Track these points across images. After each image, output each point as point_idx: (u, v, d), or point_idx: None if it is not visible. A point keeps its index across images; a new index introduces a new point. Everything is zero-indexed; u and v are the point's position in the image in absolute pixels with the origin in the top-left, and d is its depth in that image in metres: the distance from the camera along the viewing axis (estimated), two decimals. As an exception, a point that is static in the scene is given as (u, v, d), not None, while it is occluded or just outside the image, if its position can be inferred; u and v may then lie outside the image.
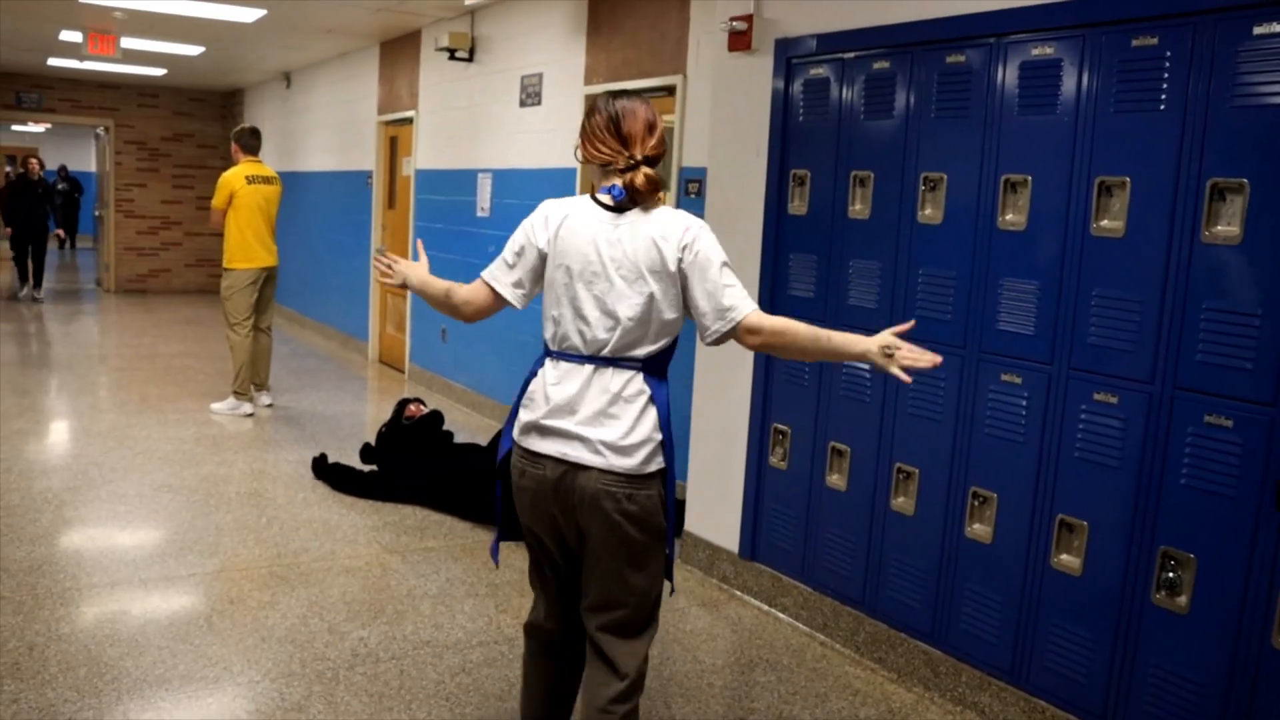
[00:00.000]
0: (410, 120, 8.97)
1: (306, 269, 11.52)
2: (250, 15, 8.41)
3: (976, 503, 3.44)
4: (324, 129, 11.27)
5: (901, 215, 3.65)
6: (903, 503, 3.70)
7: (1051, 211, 3.17)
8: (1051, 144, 3.16)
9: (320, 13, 8.26)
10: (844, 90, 3.87)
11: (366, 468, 5.75)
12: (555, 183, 6.57)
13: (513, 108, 7.24)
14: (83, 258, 20.52)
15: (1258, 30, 2.67)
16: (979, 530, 3.44)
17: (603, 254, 2.41)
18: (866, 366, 3.78)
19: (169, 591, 4.15)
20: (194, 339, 10.68)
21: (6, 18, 9.10)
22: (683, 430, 5.06)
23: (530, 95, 7.00)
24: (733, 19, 4.25)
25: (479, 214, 7.62)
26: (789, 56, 4.09)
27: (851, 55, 3.83)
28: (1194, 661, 2.85)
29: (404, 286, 2.71)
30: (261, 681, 3.44)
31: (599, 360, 2.43)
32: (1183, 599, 2.87)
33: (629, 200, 2.42)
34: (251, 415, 7.29)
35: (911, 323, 2.56)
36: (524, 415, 2.50)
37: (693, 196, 5.32)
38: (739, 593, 4.44)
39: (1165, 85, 2.87)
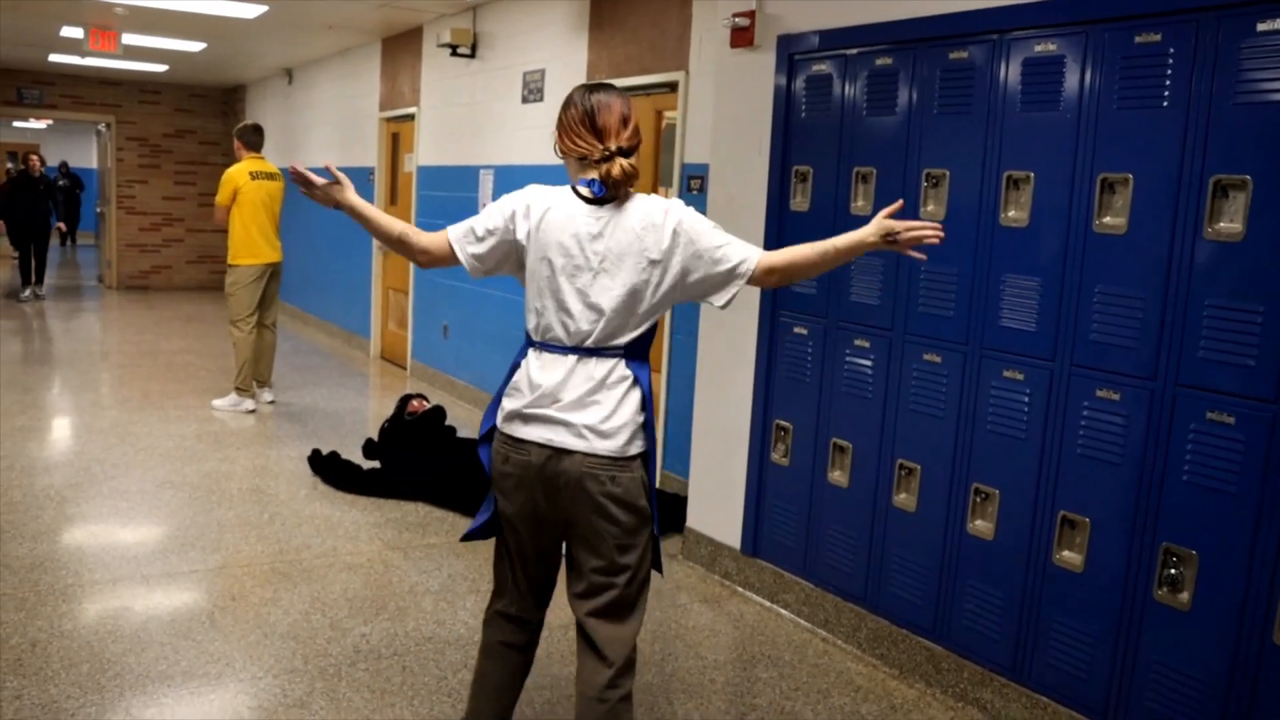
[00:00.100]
0: (412, 116, 8.97)
1: (309, 266, 11.52)
2: (252, 11, 8.41)
3: (978, 499, 3.44)
4: (326, 125, 11.27)
5: (904, 212, 3.63)
6: (904, 499, 3.70)
7: (1054, 208, 3.17)
8: (1054, 140, 3.16)
9: (322, 9, 8.25)
10: (846, 87, 3.86)
11: (367, 465, 5.75)
12: (557, 179, 6.47)
13: (514, 104, 7.23)
14: (84, 254, 20.52)
15: (1261, 27, 2.67)
16: (981, 527, 3.44)
17: (585, 247, 2.43)
18: (869, 363, 3.79)
19: (171, 588, 4.16)
20: (195, 335, 10.69)
21: (8, 14, 9.09)
22: (684, 427, 5.06)
23: (532, 91, 6.99)
24: (735, 15, 4.25)
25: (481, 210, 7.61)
26: (791, 53, 4.08)
27: (854, 52, 3.82)
28: (1195, 658, 2.85)
29: (333, 204, 2.61)
30: (264, 678, 3.44)
31: (582, 350, 2.45)
32: (1184, 595, 2.88)
33: (608, 193, 2.44)
34: (254, 411, 7.29)
35: (899, 203, 2.56)
36: (508, 403, 2.52)
37: (695, 192, 5.31)
38: (741, 589, 4.44)
39: (1168, 82, 2.87)
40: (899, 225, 2.45)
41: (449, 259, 2.57)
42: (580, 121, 2.49)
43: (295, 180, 2.58)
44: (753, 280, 2.48)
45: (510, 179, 7.26)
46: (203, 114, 14.98)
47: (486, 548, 4.74)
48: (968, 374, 3.45)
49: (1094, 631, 3.11)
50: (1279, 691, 2.69)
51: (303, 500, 5.32)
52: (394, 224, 2.58)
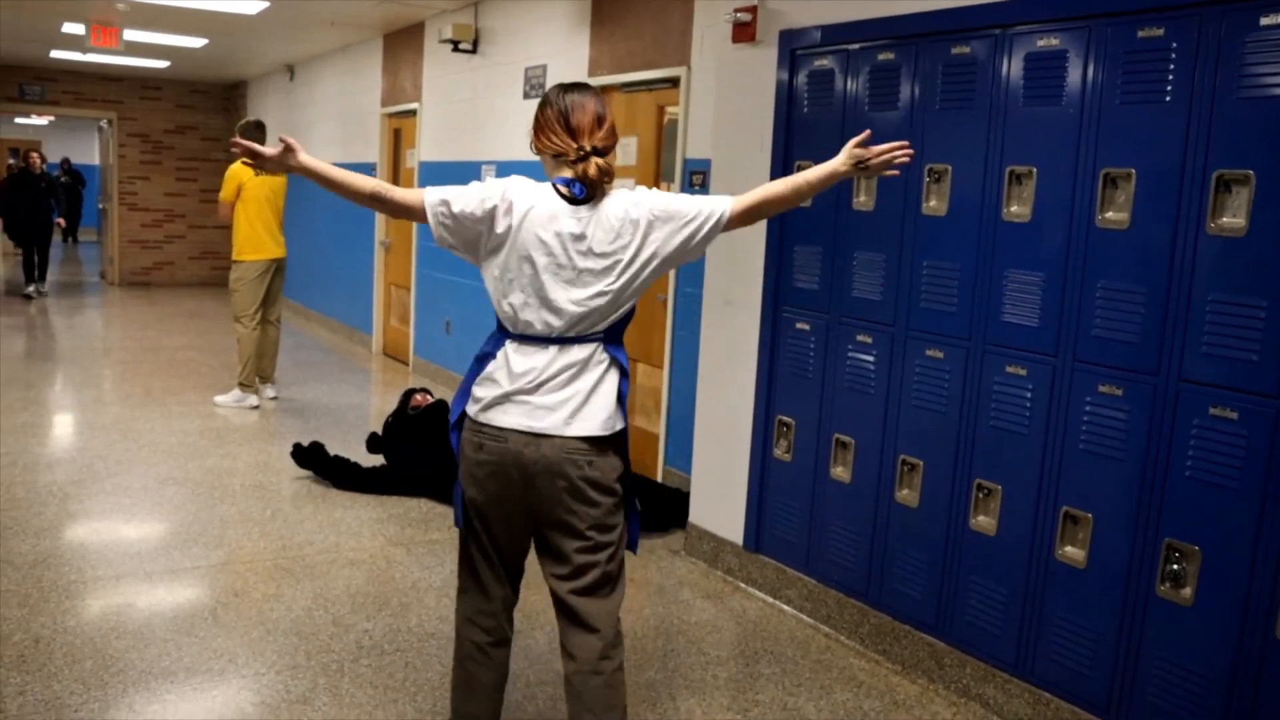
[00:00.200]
0: (414, 112, 8.96)
1: (311, 262, 11.52)
2: (254, 7, 8.40)
3: (981, 495, 3.44)
4: (327, 121, 11.26)
5: (906, 207, 3.65)
6: (907, 495, 3.70)
7: (1056, 203, 3.17)
8: (1057, 135, 3.15)
9: (324, 5, 8.25)
10: (848, 82, 3.86)
11: (369, 461, 5.74)
12: (559, 175, 6.54)
13: (516, 100, 7.23)
14: (86, 251, 20.52)
15: (1265, 21, 2.66)
16: (983, 522, 3.44)
17: (569, 247, 2.46)
18: (871, 359, 3.78)
19: (174, 584, 4.16)
20: (198, 332, 10.69)
21: (9, 10, 9.09)
22: (687, 423, 5.06)
23: (534, 87, 6.99)
24: (737, 10, 4.25)
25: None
26: (793, 48, 4.08)
27: (856, 47, 3.82)
28: (1198, 653, 2.85)
29: (285, 170, 2.57)
30: (266, 674, 3.44)
31: (564, 340, 2.50)
32: (1187, 591, 2.87)
33: (588, 193, 2.48)
34: (257, 408, 7.30)
35: (868, 132, 2.60)
36: (483, 392, 2.54)
37: (697, 188, 5.31)
38: (743, 585, 4.44)
39: (1171, 77, 2.86)
40: (868, 152, 2.55)
41: (421, 219, 2.55)
42: (556, 120, 2.53)
43: (241, 153, 2.57)
44: (730, 224, 2.58)
45: (512, 174, 7.24)
46: (204, 110, 14.98)
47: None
48: (970, 369, 3.45)
49: (1096, 627, 3.11)
50: (1282, 687, 2.69)
51: (305, 496, 5.33)
52: (363, 182, 2.53)
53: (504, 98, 7.40)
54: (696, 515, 4.73)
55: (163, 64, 12.78)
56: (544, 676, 3.50)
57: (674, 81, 5.59)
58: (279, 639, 3.70)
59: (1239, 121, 2.73)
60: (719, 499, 4.57)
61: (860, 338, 3.84)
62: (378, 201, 2.53)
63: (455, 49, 7.81)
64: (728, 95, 4.47)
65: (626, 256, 2.48)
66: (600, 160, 2.48)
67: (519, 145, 7.20)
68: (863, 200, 3.82)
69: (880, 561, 3.82)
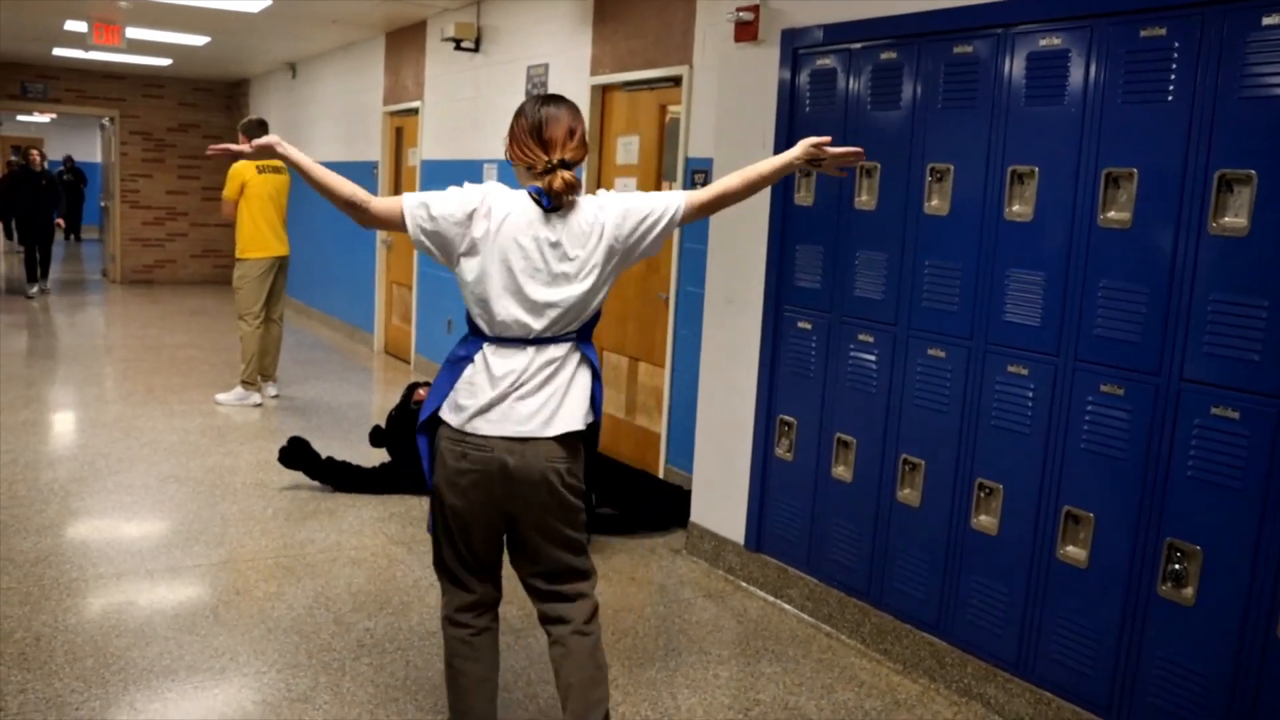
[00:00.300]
0: (416, 111, 8.97)
1: (312, 260, 11.52)
2: (256, 5, 8.40)
3: (982, 494, 3.44)
4: (329, 119, 11.26)
5: (908, 206, 3.64)
6: (908, 494, 3.70)
7: (1058, 203, 3.16)
8: (1059, 135, 3.15)
9: (326, 3, 8.25)
10: (850, 81, 3.86)
11: (369, 465, 5.73)
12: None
13: (518, 98, 7.22)
14: (88, 249, 20.54)
15: (1267, 21, 2.66)
16: (985, 522, 3.43)
17: (545, 252, 2.55)
18: (873, 358, 3.78)
19: (175, 582, 4.17)
20: (199, 330, 10.70)
21: (11, 8, 9.10)
22: (688, 422, 5.06)
23: (536, 86, 6.99)
24: (739, 9, 4.24)
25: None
26: (795, 47, 4.07)
27: (858, 46, 3.81)
28: (1199, 653, 2.85)
29: (264, 155, 2.66)
30: (268, 672, 3.45)
31: (541, 340, 2.58)
32: (1188, 591, 2.87)
33: (554, 204, 2.55)
34: (260, 406, 7.30)
35: (828, 138, 2.77)
36: (466, 401, 2.58)
37: (699, 187, 5.30)
38: (745, 584, 4.44)
39: (1173, 76, 2.86)
40: (825, 152, 2.74)
41: (399, 225, 2.60)
42: (529, 132, 2.60)
43: (221, 154, 2.63)
44: (686, 217, 2.72)
45: (514, 173, 7.25)
46: (206, 108, 14.98)
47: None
48: (972, 369, 3.45)
49: (1098, 627, 3.10)
50: (1283, 687, 2.69)
51: (306, 495, 5.33)
52: (344, 184, 2.58)
53: (506, 96, 7.40)
54: (698, 514, 4.73)
55: (165, 62, 12.79)
56: (545, 676, 3.50)
57: (676, 80, 5.59)
58: (280, 637, 3.70)
59: (1241, 121, 2.72)
60: (720, 498, 4.57)
61: (862, 337, 3.84)
62: (353, 208, 2.58)
63: (457, 47, 7.81)
64: (730, 94, 4.47)
65: (596, 259, 2.58)
66: (567, 174, 2.55)
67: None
68: (865, 199, 3.81)
69: (881, 561, 3.82)
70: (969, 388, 3.46)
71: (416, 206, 2.56)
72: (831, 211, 3.94)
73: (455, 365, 2.63)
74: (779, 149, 4.12)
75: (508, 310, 2.55)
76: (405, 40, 9.16)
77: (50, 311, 11.77)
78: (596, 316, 2.68)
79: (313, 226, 11.31)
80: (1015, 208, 3.30)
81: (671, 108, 5.74)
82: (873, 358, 3.80)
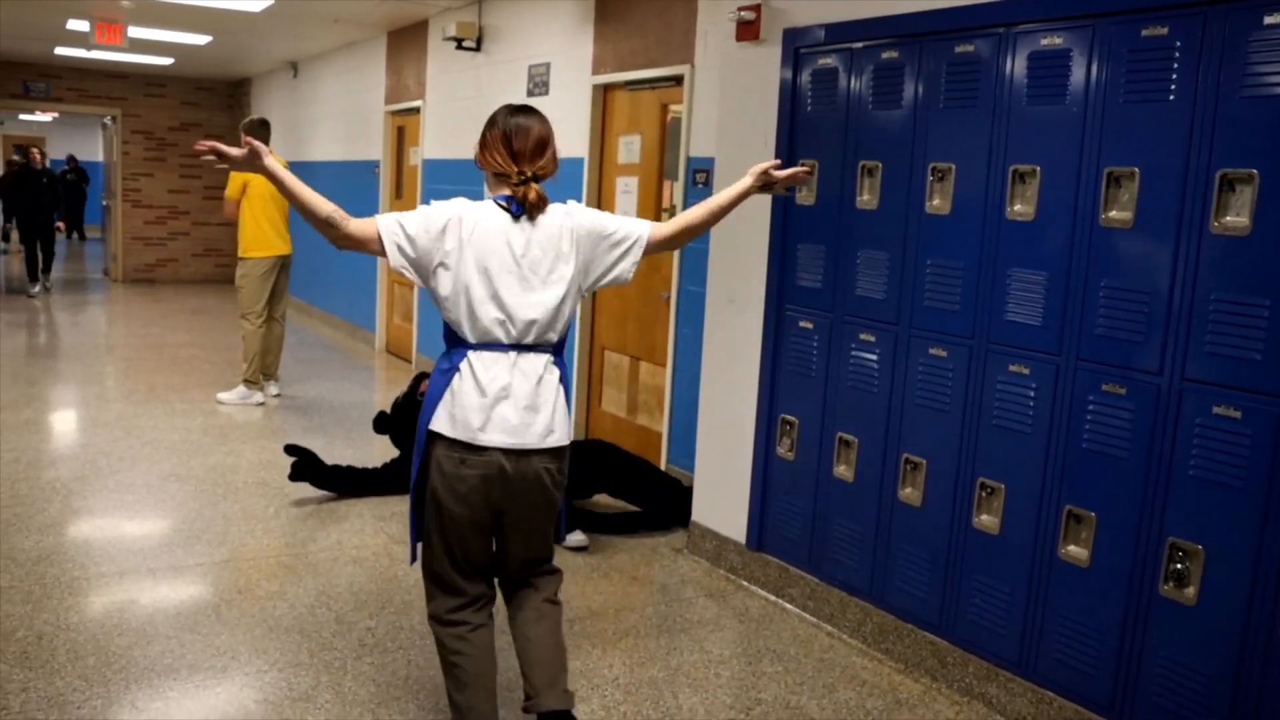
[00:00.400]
0: (417, 110, 8.97)
1: (314, 259, 11.50)
2: (258, 5, 8.40)
3: (984, 494, 3.44)
4: (331, 119, 11.26)
5: (910, 205, 3.64)
6: (910, 494, 3.70)
7: (1060, 202, 3.16)
8: (1060, 134, 3.15)
9: (328, 3, 8.25)
10: (852, 80, 3.85)
11: (373, 465, 5.72)
12: (563, 172, 6.50)
13: (520, 98, 7.22)
14: (90, 247, 20.54)
15: (1269, 20, 2.66)
16: (986, 521, 3.43)
17: (518, 259, 2.64)
18: (874, 358, 3.78)
19: (177, 581, 4.17)
20: (201, 329, 10.70)
21: (14, 7, 9.10)
22: (690, 421, 5.06)
23: (538, 85, 6.99)
24: (741, 8, 4.24)
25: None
26: (797, 46, 4.07)
27: (860, 45, 3.81)
28: (1201, 653, 2.85)
29: (251, 169, 2.68)
30: (269, 671, 3.45)
31: (520, 347, 2.66)
32: (1190, 590, 2.87)
33: (524, 212, 2.66)
34: (262, 405, 7.30)
35: (778, 161, 3.03)
36: (459, 414, 2.63)
37: (700, 186, 5.31)
38: (746, 583, 4.44)
39: (1175, 76, 2.86)
40: (774, 176, 2.95)
41: (375, 247, 2.65)
42: (499, 141, 2.69)
43: (209, 153, 2.64)
44: (649, 249, 2.83)
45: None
46: (208, 107, 14.99)
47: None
48: (973, 368, 3.45)
49: (1100, 626, 3.10)
50: (1285, 687, 2.69)
51: (308, 494, 5.33)
52: (322, 203, 2.63)
53: (507, 95, 7.39)
54: (699, 514, 4.73)
55: (167, 61, 12.79)
56: (546, 674, 3.51)
57: (678, 80, 5.59)
58: (282, 636, 3.71)
59: (1242, 120, 2.72)
60: (722, 497, 4.57)
61: (863, 336, 3.84)
62: (330, 227, 2.62)
63: (459, 47, 7.81)
64: (731, 94, 4.47)
65: (565, 268, 2.68)
66: (538, 187, 2.66)
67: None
68: (866, 199, 3.81)
69: (883, 560, 3.82)
70: (970, 387, 3.46)
71: (393, 224, 2.64)
72: (833, 211, 3.94)
73: (442, 376, 2.69)
74: (780, 148, 4.13)
75: (489, 315, 2.62)
76: (407, 39, 9.17)
77: (52, 310, 11.78)
78: (567, 330, 2.78)
79: (314, 226, 11.31)
80: (1017, 207, 3.30)
81: (673, 107, 5.74)
82: (874, 357, 3.80)
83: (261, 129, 7.34)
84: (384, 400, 7.77)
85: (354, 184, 10.36)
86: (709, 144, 5.14)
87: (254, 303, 7.22)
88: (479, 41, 7.75)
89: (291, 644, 3.65)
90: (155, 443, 6.13)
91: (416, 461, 2.74)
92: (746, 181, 2.95)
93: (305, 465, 5.31)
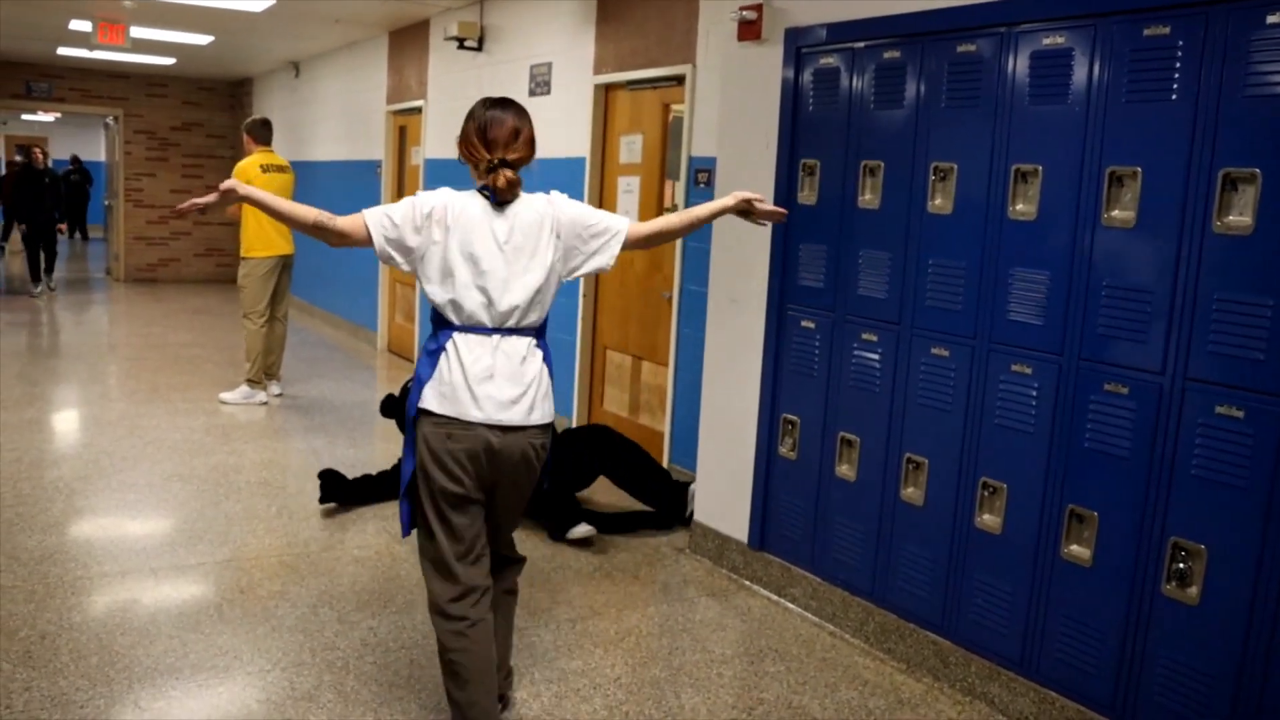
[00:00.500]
0: (419, 110, 8.97)
1: (315, 259, 11.51)
2: (259, 5, 8.41)
3: (986, 493, 3.44)
4: (333, 119, 11.27)
5: (911, 205, 3.64)
6: (912, 493, 3.70)
7: (1062, 202, 3.16)
8: (1062, 134, 3.15)
9: (329, 3, 8.26)
10: (854, 80, 3.85)
11: (386, 469, 5.70)
12: (564, 172, 6.56)
13: (521, 97, 7.21)
14: (92, 247, 20.56)
15: (1271, 19, 2.66)
16: (989, 521, 3.43)
17: (501, 244, 2.75)
18: (876, 357, 3.78)
19: (179, 580, 4.17)
20: (203, 328, 10.71)
21: (16, 7, 9.11)
22: (692, 421, 5.06)
23: (539, 84, 6.99)
24: (742, 8, 4.24)
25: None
26: (799, 46, 4.07)
27: (861, 45, 3.81)
28: (1204, 653, 2.85)
29: (231, 204, 2.81)
30: (272, 671, 3.45)
31: (504, 330, 2.77)
32: (1193, 590, 2.87)
33: (499, 198, 2.76)
34: (264, 404, 7.31)
35: (760, 196, 3.06)
36: (446, 390, 2.74)
37: (702, 186, 5.31)
38: (748, 583, 4.44)
39: (1177, 75, 2.86)
40: (755, 208, 3.04)
41: (365, 240, 2.79)
42: (475, 133, 2.81)
43: (185, 212, 2.77)
44: (627, 244, 2.93)
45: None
46: (210, 107, 15.01)
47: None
48: (976, 368, 3.45)
49: (1102, 626, 3.10)
50: (1287, 686, 2.68)
51: (310, 493, 5.32)
52: (306, 211, 2.78)
53: (509, 95, 7.39)
54: (701, 513, 4.73)
55: (169, 61, 12.80)
56: (548, 675, 3.51)
57: (679, 79, 5.59)
58: (284, 636, 3.71)
59: (1245, 120, 2.72)
60: (724, 497, 4.57)
61: (865, 336, 3.84)
62: (320, 230, 2.77)
63: (460, 46, 7.81)
64: (733, 93, 4.47)
65: (546, 254, 2.79)
66: (509, 172, 2.76)
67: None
68: (868, 198, 3.81)
69: (885, 560, 3.81)
70: (973, 387, 3.46)
71: (381, 216, 2.80)
72: (835, 210, 3.94)
73: (430, 357, 2.79)
74: (782, 148, 4.13)
75: (474, 300, 2.73)
76: (408, 39, 9.17)
77: (54, 310, 11.79)
78: (548, 315, 2.88)
79: (316, 225, 11.31)
80: (1019, 206, 3.29)
81: (675, 107, 5.74)
82: (876, 357, 3.80)
83: (264, 129, 7.36)
84: (386, 400, 7.78)
85: (356, 184, 10.37)
86: (710, 144, 5.14)
87: (256, 302, 7.23)
88: (480, 41, 7.76)
89: (294, 643, 3.65)
90: (157, 442, 6.14)
91: (408, 441, 2.83)
92: (728, 201, 3.02)
93: (331, 485, 5.16)
